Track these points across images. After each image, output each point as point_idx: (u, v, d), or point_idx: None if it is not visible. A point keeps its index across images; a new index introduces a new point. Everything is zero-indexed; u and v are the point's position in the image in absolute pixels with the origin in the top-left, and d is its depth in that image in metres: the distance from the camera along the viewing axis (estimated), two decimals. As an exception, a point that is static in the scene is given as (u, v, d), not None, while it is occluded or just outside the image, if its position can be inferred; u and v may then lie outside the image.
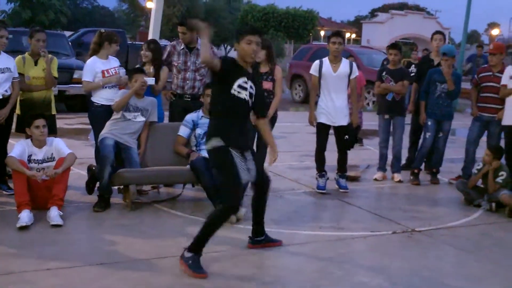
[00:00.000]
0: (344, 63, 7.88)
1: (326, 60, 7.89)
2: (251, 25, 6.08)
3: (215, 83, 5.19)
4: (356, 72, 7.97)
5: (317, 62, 7.98)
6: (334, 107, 7.82)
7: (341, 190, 8.03)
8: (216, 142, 5.07)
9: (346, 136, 7.98)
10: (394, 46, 9.12)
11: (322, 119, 7.90)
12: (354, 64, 8.07)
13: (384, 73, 8.90)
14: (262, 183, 5.44)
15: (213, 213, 5.13)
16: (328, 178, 8.07)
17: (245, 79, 5.14)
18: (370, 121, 13.17)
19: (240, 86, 5.08)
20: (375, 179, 8.88)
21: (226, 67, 5.02)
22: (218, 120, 5.16)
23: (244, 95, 5.11)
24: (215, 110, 5.25)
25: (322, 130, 7.99)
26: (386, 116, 8.88)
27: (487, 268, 5.60)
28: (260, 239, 5.70)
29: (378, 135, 9.20)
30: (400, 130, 8.90)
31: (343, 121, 7.88)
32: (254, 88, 5.23)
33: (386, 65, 9.27)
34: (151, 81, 7.14)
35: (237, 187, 5.06)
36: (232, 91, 5.05)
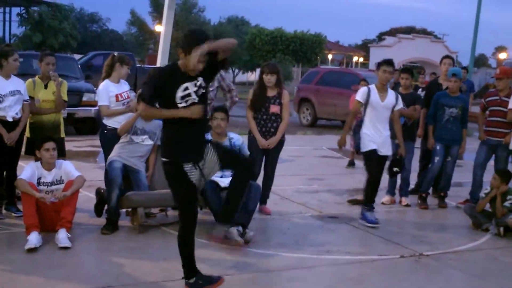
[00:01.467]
0: (391, 93, 7.71)
1: (374, 89, 7.67)
2: (205, 33, 4.72)
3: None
4: (400, 104, 7.80)
5: (365, 89, 7.71)
6: (381, 137, 7.61)
7: (368, 225, 7.54)
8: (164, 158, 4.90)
9: (396, 169, 7.90)
10: (405, 70, 9.12)
11: (372, 146, 7.58)
12: (399, 96, 7.87)
13: None
14: (242, 168, 5.03)
15: (179, 232, 5.01)
16: (374, 210, 7.72)
17: (185, 85, 4.67)
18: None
19: (182, 97, 4.66)
20: (383, 203, 8.87)
21: (157, 93, 4.69)
22: (168, 133, 4.86)
23: (190, 101, 4.68)
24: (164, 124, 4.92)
25: (375, 158, 7.62)
26: (396, 141, 8.86)
27: (495, 293, 5.58)
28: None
29: (388, 159, 9.18)
30: (410, 154, 8.90)
31: (389, 151, 7.74)
32: (203, 85, 4.74)
33: (398, 90, 9.26)
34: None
35: (187, 198, 4.91)
36: (178, 105, 4.67)
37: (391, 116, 7.79)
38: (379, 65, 7.80)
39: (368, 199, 7.69)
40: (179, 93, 4.66)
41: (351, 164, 12.19)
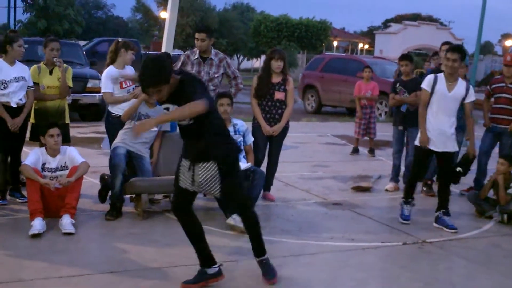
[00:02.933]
0: (460, 84, 7.05)
1: (441, 77, 7.05)
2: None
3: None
4: (472, 96, 7.08)
5: (431, 76, 7.10)
6: (440, 131, 7.01)
7: (447, 230, 7.03)
8: None
9: (459, 169, 7.34)
10: (404, 57, 9.09)
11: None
12: (471, 88, 7.20)
13: (398, 85, 8.90)
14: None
15: None
16: (414, 205, 7.48)
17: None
18: (383, 131, 13.18)
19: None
20: (387, 190, 8.87)
21: None
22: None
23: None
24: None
25: (424, 155, 7.21)
26: (400, 127, 8.85)
27: (498, 280, 5.58)
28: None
29: (392, 146, 9.21)
30: (414, 141, 8.86)
31: (450, 147, 7.09)
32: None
33: (400, 77, 9.25)
34: None
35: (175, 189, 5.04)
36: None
37: (464, 110, 7.23)
38: (445, 52, 7.10)
39: (405, 194, 7.42)
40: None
41: (356, 151, 12.19)
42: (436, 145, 7.08)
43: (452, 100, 7.03)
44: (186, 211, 5.00)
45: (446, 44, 9.39)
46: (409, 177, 7.57)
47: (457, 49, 6.99)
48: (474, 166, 8.85)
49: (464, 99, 7.06)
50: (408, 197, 7.39)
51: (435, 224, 7.19)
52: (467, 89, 7.08)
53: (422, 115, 7.12)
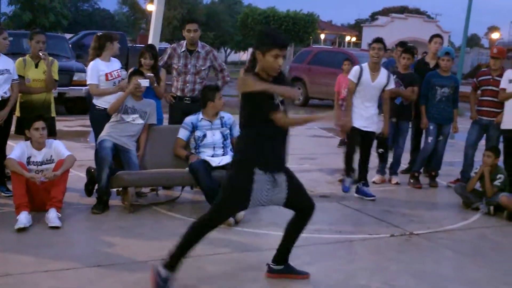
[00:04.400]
0: (383, 73, 7.88)
1: (366, 68, 7.86)
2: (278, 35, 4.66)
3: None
4: (392, 84, 7.99)
5: (357, 68, 7.91)
6: (366, 115, 7.83)
7: (367, 199, 7.93)
8: None
9: (381, 150, 8.74)
10: (407, 50, 8.98)
11: (356, 123, 7.75)
12: (392, 76, 8.06)
13: (394, 77, 8.84)
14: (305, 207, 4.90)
15: (199, 221, 4.76)
16: (353, 182, 8.09)
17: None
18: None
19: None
20: (374, 182, 8.87)
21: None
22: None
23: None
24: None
25: (355, 134, 7.83)
26: (393, 120, 8.81)
27: (485, 272, 5.59)
28: (279, 268, 5.10)
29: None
30: (405, 134, 8.99)
31: (373, 128, 7.94)
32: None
33: (397, 69, 9.14)
34: (145, 83, 7.02)
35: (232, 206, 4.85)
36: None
37: (382, 95, 7.96)
38: (369, 44, 8.05)
39: (345, 170, 8.08)
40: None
41: (343, 143, 12.18)
42: (364, 126, 7.81)
43: (375, 88, 7.85)
44: None
45: (436, 36, 9.46)
46: (346, 152, 8.10)
47: (380, 40, 7.85)
48: (461, 158, 8.92)
49: (385, 86, 7.88)
50: (349, 170, 8.00)
51: (355, 195, 8.00)
52: (388, 77, 7.89)
53: (349, 101, 7.98)
